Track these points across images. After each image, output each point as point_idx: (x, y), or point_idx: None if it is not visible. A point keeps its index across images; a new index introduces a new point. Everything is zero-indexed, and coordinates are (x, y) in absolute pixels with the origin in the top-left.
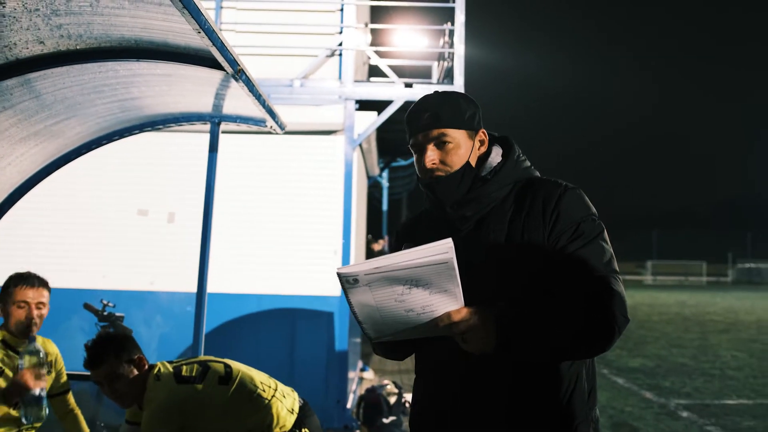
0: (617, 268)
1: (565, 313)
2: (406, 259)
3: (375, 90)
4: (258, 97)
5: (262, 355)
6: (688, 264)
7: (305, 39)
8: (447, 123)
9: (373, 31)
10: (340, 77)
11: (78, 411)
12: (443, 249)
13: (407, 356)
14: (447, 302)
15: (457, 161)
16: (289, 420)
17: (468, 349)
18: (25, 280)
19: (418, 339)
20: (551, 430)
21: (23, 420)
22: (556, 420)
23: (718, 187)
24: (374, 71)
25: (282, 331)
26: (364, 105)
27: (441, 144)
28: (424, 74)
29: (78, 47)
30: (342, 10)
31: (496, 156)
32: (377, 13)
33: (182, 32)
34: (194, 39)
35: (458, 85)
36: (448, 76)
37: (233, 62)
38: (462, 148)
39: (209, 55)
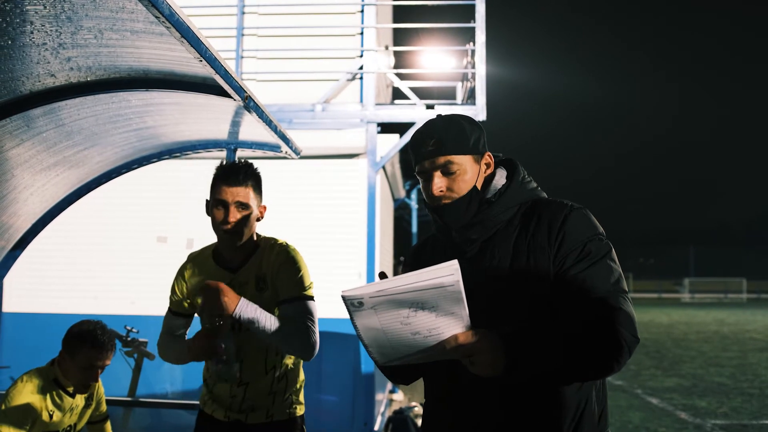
0: (626, 288)
1: (573, 334)
2: (412, 282)
3: (396, 112)
4: (269, 123)
5: None
6: (727, 281)
7: (326, 63)
8: (453, 150)
9: (395, 53)
10: (361, 100)
11: None
12: (449, 271)
13: (413, 380)
14: (454, 325)
15: (464, 187)
16: None
17: (476, 372)
18: (98, 348)
19: (424, 363)
20: None
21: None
22: None
23: (757, 202)
24: (398, 93)
25: None
26: (386, 128)
27: (447, 171)
28: (448, 95)
29: (89, 79)
30: (362, 33)
31: (500, 179)
32: (399, 36)
33: (186, 61)
34: (197, 67)
35: (480, 104)
36: (471, 96)
37: (240, 90)
38: (468, 173)
39: (216, 83)
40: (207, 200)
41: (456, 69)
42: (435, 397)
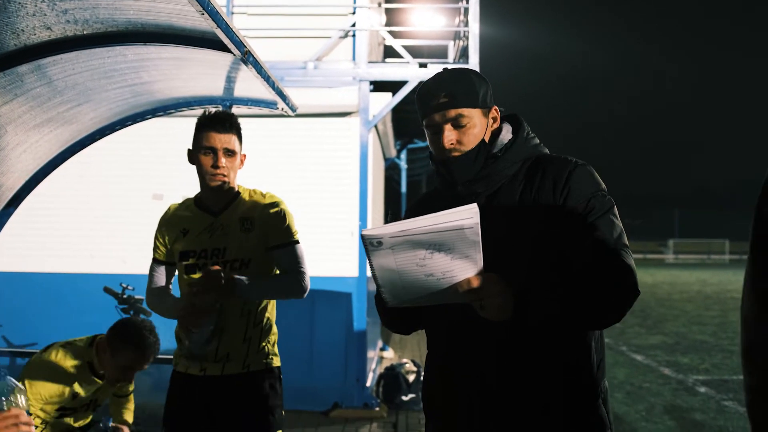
0: (627, 242)
1: (580, 284)
2: (432, 223)
3: (389, 71)
4: (267, 79)
5: (281, 336)
6: (710, 242)
7: (318, 20)
8: (463, 103)
9: (387, 10)
10: (354, 58)
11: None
12: (469, 214)
13: (413, 329)
14: (467, 268)
15: (473, 140)
16: None
17: (485, 316)
18: (142, 352)
19: (427, 313)
20: (561, 400)
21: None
22: (567, 389)
23: (741, 165)
24: (389, 52)
25: (301, 312)
26: (378, 86)
27: (458, 124)
28: (440, 54)
29: (85, 32)
30: None
31: (506, 133)
32: None
33: (186, 15)
34: (199, 21)
35: (473, 63)
36: (463, 55)
37: (240, 44)
38: (477, 127)
39: (215, 38)
40: (189, 149)
41: (448, 27)
42: (436, 350)
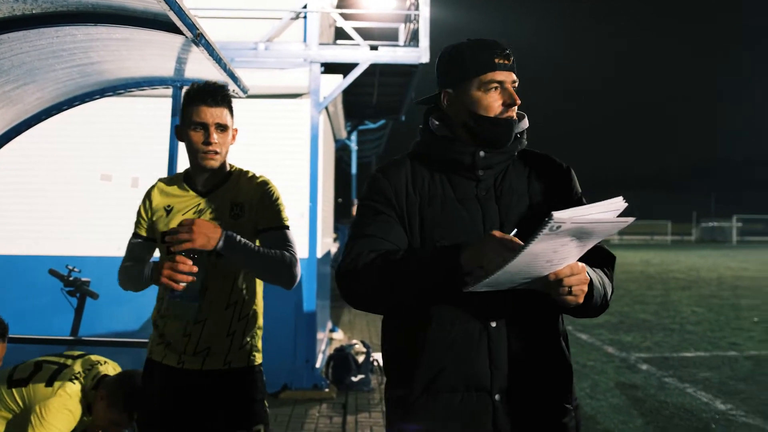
0: None
1: (604, 274)
2: (603, 211)
3: (340, 53)
4: (219, 61)
5: None
6: (653, 223)
7: (270, 1)
8: (516, 71)
9: None
10: (305, 40)
11: None
12: (620, 207)
13: (386, 311)
14: (574, 257)
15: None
16: None
17: (567, 301)
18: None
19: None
20: (567, 389)
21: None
22: (562, 375)
23: (684, 150)
24: (341, 33)
25: None
26: (329, 68)
27: (515, 89)
28: (390, 36)
29: (34, 11)
30: None
31: (526, 122)
32: None
33: None
34: (151, 3)
35: (423, 47)
36: (414, 38)
37: (192, 26)
38: None
39: (167, 20)
40: (177, 125)
41: (399, 10)
42: (443, 327)
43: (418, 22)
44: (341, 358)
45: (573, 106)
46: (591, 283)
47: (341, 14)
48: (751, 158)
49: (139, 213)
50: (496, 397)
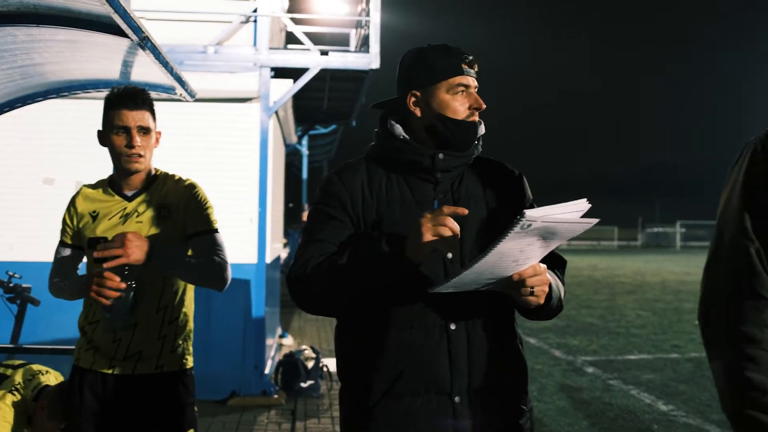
0: None
1: (557, 276)
2: (570, 211)
3: (290, 57)
4: (165, 64)
5: None
6: (600, 229)
7: (220, 4)
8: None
9: None
10: (255, 44)
11: None
12: (585, 207)
13: (339, 314)
14: (538, 257)
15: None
16: None
17: (529, 301)
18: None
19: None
20: (522, 388)
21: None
22: (524, 381)
23: (630, 155)
24: (292, 38)
25: (197, 299)
26: (279, 72)
27: (477, 92)
28: (342, 41)
29: None
30: None
31: (483, 127)
32: None
33: None
34: (95, 5)
35: (374, 53)
36: (365, 44)
37: (137, 29)
38: None
39: (113, 22)
40: (99, 130)
41: (350, 16)
42: (395, 329)
43: (369, 27)
44: (290, 364)
45: (519, 112)
46: (550, 285)
47: (292, 19)
48: (694, 163)
49: (64, 221)
50: (456, 399)
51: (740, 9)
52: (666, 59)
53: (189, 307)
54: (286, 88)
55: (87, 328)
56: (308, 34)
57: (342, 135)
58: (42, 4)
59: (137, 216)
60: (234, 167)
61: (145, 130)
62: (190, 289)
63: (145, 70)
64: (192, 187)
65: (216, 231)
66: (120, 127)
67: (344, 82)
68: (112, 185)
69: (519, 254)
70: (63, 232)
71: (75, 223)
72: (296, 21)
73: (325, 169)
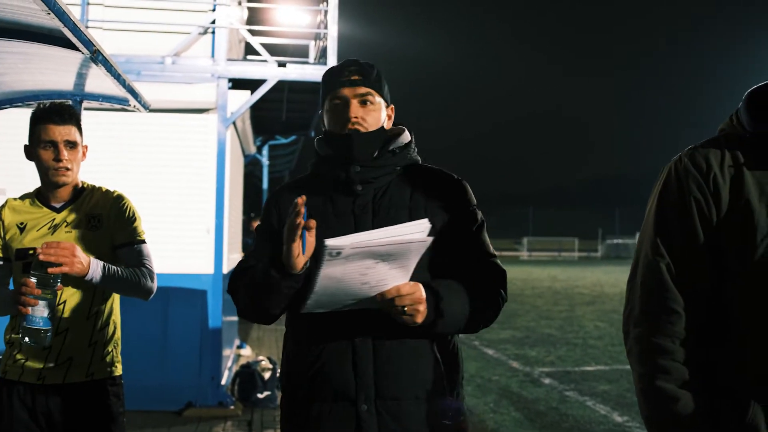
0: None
1: (474, 292)
2: (392, 235)
3: (248, 69)
4: (117, 77)
5: (132, 333)
6: (561, 240)
7: (178, 15)
8: (372, 85)
9: (250, 9)
10: (213, 55)
11: None
12: (422, 228)
13: (275, 320)
14: (399, 277)
15: (374, 123)
16: None
17: (403, 321)
18: None
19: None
20: (441, 394)
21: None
22: (444, 387)
23: (590, 166)
24: (252, 49)
25: (154, 309)
26: (237, 84)
27: (364, 102)
28: (301, 53)
29: None
30: None
31: (406, 136)
32: None
33: (32, 13)
34: (45, 19)
35: (331, 64)
36: (323, 55)
37: (88, 43)
38: (379, 112)
39: (63, 36)
40: (25, 145)
41: (308, 28)
42: (320, 335)
43: (327, 39)
44: (247, 374)
45: (485, 124)
46: (438, 302)
47: (250, 30)
48: (652, 173)
49: None
50: (363, 407)
51: (689, 27)
52: (616, 67)
53: (117, 314)
54: (244, 99)
55: (14, 339)
56: (269, 46)
57: (303, 145)
58: None
59: (66, 226)
60: (191, 177)
61: (72, 145)
62: (118, 297)
63: (99, 82)
64: (120, 198)
65: (143, 242)
66: (47, 142)
67: (303, 94)
68: (39, 197)
69: (363, 277)
70: None
71: (2, 235)
72: (255, 32)
73: (286, 178)
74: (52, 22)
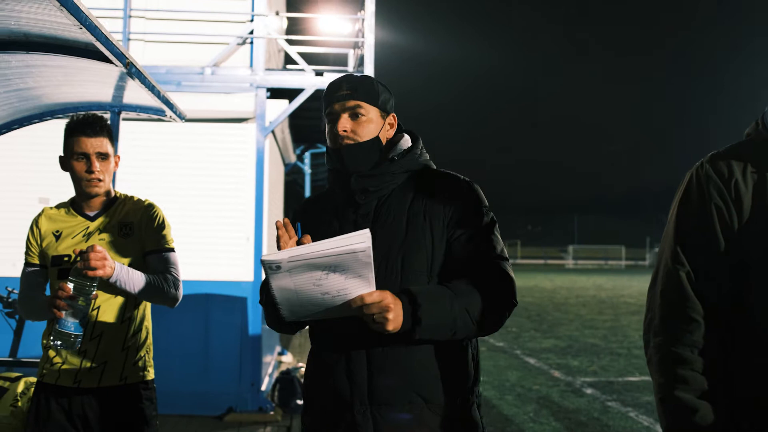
0: (507, 256)
1: (467, 297)
2: (327, 248)
3: (286, 78)
4: (152, 88)
5: (176, 340)
6: (607, 248)
7: (217, 26)
8: (363, 97)
9: (290, 18)
10: (251, 65)
11: None
12: (362, 239)
13: (297, 330)
14: (360, 286)
15: (367, 134)
16: None
17: (377, 330)
18: None
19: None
20: (440, 401)
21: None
22: (445, 394)
23: (638, 174)
24: (291, 58)
25: (196, 316)
26: (276, 93)
27: (355, 115)
28: (341, 62)
29: None
30: None
31: (405, 142)
32: (292, 1)
33: (66, 28)
34: (79, 34)
35: (368, 72)
36: (362, 63)
37: (121, 56)
38: (373, 123)
39: (97, 49)
40: (60, 156)
41: (347, 36)
42: (326, 347)
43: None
44: (287, 381)
45: (529, 131)
46: (416, 310)
47: (288, 40)
48: None
49: (28, 241)
50: (358, 413)
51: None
52: (669, 72)
53: (149, 320)
54: (282, 108)
55: (50, 344)
56: (308, 55)
57: None
58: (31, 32)
59: (99, 234)
60: (230, 186)
61: (104, 156)
62: (149, 304)
63: (136, 94)
64: (151, 207)
65: (171, 250)
66: (80, 154)
67: None
68: (74, 206)
69: (318, 288)
70: (27, 252)
71: (39, 242)
72: (293, 42)
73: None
74: (85, 36)
